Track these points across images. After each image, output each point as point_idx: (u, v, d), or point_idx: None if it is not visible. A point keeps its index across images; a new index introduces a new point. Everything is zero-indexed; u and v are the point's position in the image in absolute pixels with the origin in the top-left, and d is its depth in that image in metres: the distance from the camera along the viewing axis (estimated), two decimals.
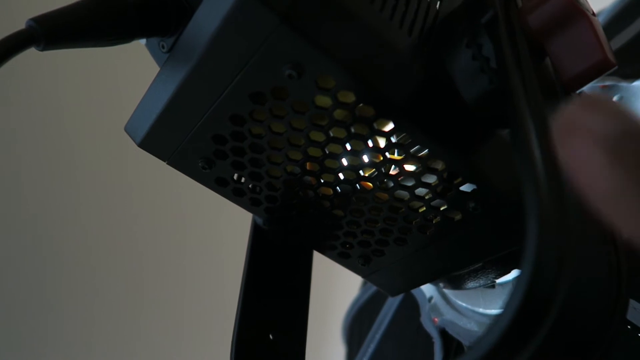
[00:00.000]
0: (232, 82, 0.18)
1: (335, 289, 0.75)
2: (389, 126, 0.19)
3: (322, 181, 0.21)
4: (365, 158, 0.20)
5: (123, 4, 0.19)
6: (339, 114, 0.19)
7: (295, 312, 0.28)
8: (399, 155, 0.20)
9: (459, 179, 0.20)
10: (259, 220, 0.27)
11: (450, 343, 0.33)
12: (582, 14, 0.16)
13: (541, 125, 0.14)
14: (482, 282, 0.27)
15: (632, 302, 0.24)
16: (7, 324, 0.70)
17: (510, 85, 0.15)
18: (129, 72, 0.64)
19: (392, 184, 0.21)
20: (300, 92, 0.18)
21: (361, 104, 0.18)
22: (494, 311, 0.30)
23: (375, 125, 0.19)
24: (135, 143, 0.21)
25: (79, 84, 0.77)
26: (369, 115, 0.18)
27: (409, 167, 0.20)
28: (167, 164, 0.22)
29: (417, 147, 0.19)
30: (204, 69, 0.18)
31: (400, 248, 0.23)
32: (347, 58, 0.17)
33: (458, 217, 0.21)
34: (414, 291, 0.38)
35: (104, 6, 0.18)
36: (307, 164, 0.21)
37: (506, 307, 0.12)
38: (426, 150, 0.19)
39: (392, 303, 0.42)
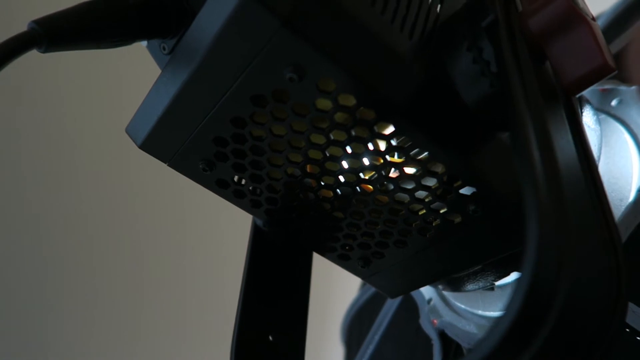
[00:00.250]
0: (233, 84, 0.18)
1: (334, 289, 0.75)
2: (390, 129, 0.19)
3: (322, 183, 0.21)
4: (366, 161, 0.20)
5: (124, 6, 0.19)
6: (339, 116, 0.19)
7: (295, 313, 0.28)
8: (399, 158, 0.20)
9: (459, 182, 0.20)
10: (259, 222, 0.27)
11: (449, 345, 0.33)
12: (582, 19, 0.16)
13: (541, 129, 0.14)
14: (481, 284, 0.27)
15: (631, 306, 0.24)
16: (7, 324, 0.70)
17: (510, 88, 0.16)
18: (130, 74, 0.64)
19: (392, 187, 0.21)
20: (301, 95, 0.18)
21: (362, 107, 0.18)
22: (493, 313, 0.30)
23: (375, 128, 0.19)
24: (137, 145, 0.22)
25: (81, 86, 0.77)
26: (370, 118, 0.18)
27: (409, 170, 0.20)
28: (168, 165, 0.22)
29: (417, 149, 0.19)
30: (205, 71, 0.18)
31: (400, 250, 0.23)
32: (348, 61, 0.17)
33: (458, 219, 0.21)
34: (413, 293, 0.38)
35: (105, 8, 0.19)
36: (308, 166, 0.21)
37: (507, 308, 0.12)
38: (426, 153, 0.19)
39: (391, 304, 0.42)
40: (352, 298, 0.51)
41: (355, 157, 0.20)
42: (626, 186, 0.27)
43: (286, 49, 0.17)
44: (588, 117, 0.25)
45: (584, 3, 0.18)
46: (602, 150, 0.27)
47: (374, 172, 0.21)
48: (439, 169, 0.20)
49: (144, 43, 0.22)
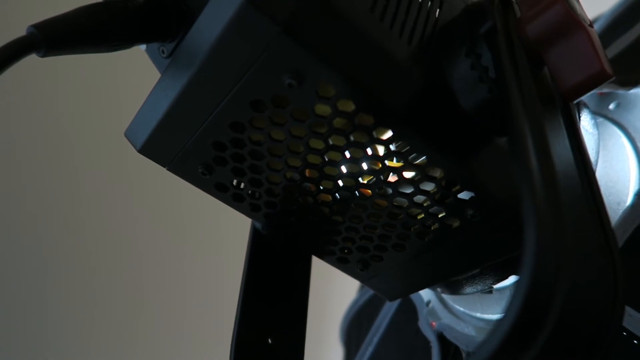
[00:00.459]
0: (232, 89, 0.18)
1: (333, 291, 0.75)
2: (388, 134, 0.19)
3: (321, 188, 0.21)
4: (364, 165, 0.20)
5: (123, 10, 0.19)
6: (338, 122, 0.19)
7: (294, 315, 0.28)
8: (397, 162, 0.20)
9: (457, 187, 0.20)
10: (258, 225, 0.27)
11: (448, 347, 0.34)
12: (580, 26, 0.16)
13: (539, 134, 0.14)
14: (479, 287, 0.27)
15: (628, 309, 0.24)
16: (7, 324, 0.70)
17: (508, 94, 0.16)
18: (129, 77, 0.64)
19: (390, 191, 0.21)
20: (300, 101, 0.18)
21: (361, 112, 0.18)
22: (492, 316, 0.30)
23: (374, 133, 0.19)
24: (136, 149, 0.22)
25: (81, 88, 0.77)
26: (369, 123, 0.18)
27: (408, 175, 0.20)
28: (167, 169, 0.22)
29: (415, 154, 0.19)
30: (204, 76, 0.18)
31: (398, 254, 0.23)
32: (347, 67, 0.17)
33: (456, 224, 0.21)
34: (412, 295, 0.38)
35: (104, 12, 0.19)
36: (307, 171, 0.21)
37: (506, 311, 0.12)
38: (424, 158, 0.19)
39: (390, 307, 0.42)
40: (351, 300, 0.51)
41: (354, 161, 0.20)
42: (624, 190, 0.27)
43: (285, 54, 0.17)
44: (586, 121, 0.26)
45: (582, 9, 0.18)
46: (600, 154, 0.27)
47: (372, 177, 0.21)
48: (438, 173, 0.20)
49: (143, 47, 0.22)
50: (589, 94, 0.17)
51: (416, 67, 0.18)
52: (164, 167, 0.22)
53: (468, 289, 0.27)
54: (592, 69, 0.16)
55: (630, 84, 0.28)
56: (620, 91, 0.28)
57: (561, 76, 0.17)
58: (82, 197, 0.78)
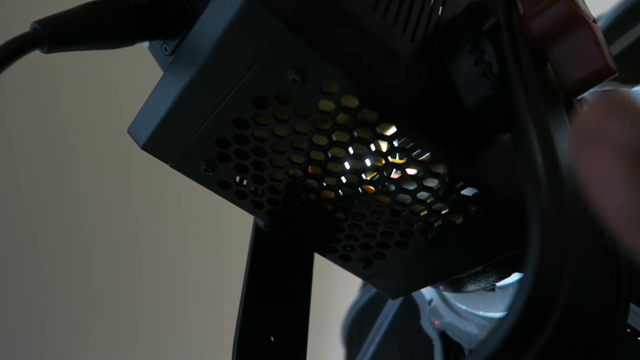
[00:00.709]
0: (236, 86, 0.18)
1: (334, 290, 0.75)
2: (392, 130, 0.19)
3: (324, 184, 0.21)
4: (368, 162, 0.20)
5: (126, 7, 0.19)
6: (342, 118, 0.19)
7: (296, 314, 0.28)
8: (401, 159, 0.20)
9: (461, 183, 0.20)
10: (261, 223, 0.27)
11: (451, 346, 0.34)
12: (583, 22, 0.16)
13: (543, 130, 0.14)
14: (482, 285, 0.27)
15: (632, 307, 0.24)
16: (7, 324, 0.70)
17: (512, 90, 0.16)
18: (131, 74, 0.64)
19: (393, 188, 0.21)
20: (304, 97, 0.18)
21: (364, 108, 0.18)
22: (494, 314, 0.30)
23: (377, 129, 0.19)
24: (139, 145, 0.22)
25: (81, 86, 0.77)
26: (372, 119, 0.18)
27: (411, 171, 0.20)
28: (170, 166, 0.22)
29: (419, 150, 0.19)
30: (208, 72, 0.18)
31: (401, 251, 0.23)
32: (350, 63, 0.17)
33: (459, 220, 0.21)
34: (414, 293, 0.38)
35: (107, 9, 0.19)
36: (310, 167, 0.21)
37: (509, 309, 0.12)
38: (428, 154, 0.19)
39: (392, 305, 0.42)
40: (353, 299, 0.51)
41: (357, 158, 0.20)
42: None
43: (289, 51, 0.17)
44: None
45: (585, 5, 0.18)
46: None
47: (375, 173, 0.21)
48: (441, 170, 0.20)
49: (146, 44, 0.22)
50: (592, 90, 0.17)
51: (419, 63, 0.18)
52: (167, 163, 0.22)
53: (470, 287, 0.27)
54: (597, 64, 0.16)
55: (631, 82, 0.28)
56: (623, 89, 0.28)
57: (565, 72, 0.17)
58: (82, 197, 0.78)
